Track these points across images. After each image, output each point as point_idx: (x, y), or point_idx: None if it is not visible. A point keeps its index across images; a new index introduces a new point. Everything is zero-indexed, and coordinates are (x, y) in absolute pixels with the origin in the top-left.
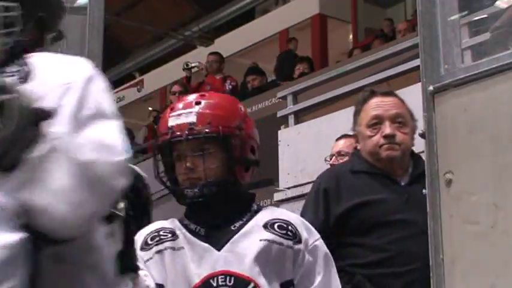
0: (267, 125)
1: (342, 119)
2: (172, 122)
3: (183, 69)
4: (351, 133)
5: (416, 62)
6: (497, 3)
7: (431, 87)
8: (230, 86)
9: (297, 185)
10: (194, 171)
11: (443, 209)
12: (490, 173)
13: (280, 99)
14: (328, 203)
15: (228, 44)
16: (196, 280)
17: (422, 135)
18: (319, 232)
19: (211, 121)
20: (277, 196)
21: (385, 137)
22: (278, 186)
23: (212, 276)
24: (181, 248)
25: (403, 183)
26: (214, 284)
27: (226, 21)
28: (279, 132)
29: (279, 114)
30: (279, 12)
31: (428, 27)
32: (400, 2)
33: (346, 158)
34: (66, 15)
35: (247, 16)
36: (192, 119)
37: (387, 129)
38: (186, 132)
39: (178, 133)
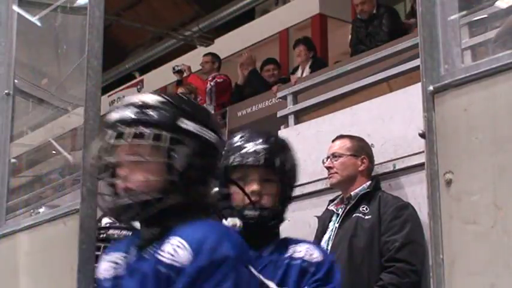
0: (267, 125)
1: (342, 119)
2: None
3: (173, 73)
4: (346, 134)
5: (416, 62)
6: (497, 3)
7: (431, 87)
8: (213, 83)
9: (297, 185)
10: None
11: (443, 209)
12: (490, 173)
13: (280, 99)
14: None
15: (228, 44)
16: None
17: (422, 135)
18: None
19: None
20: None
21: None
22: None
23: None
24: None
25: None
26: None
27: (226, 21)
28: (279, 132)
29: (279, 114)
30: (279, 12)
31: (428, 27)
32: (400, 2)
33: (341, 159)
34: (66, 15)
35: (247, 16)
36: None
37: None
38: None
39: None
